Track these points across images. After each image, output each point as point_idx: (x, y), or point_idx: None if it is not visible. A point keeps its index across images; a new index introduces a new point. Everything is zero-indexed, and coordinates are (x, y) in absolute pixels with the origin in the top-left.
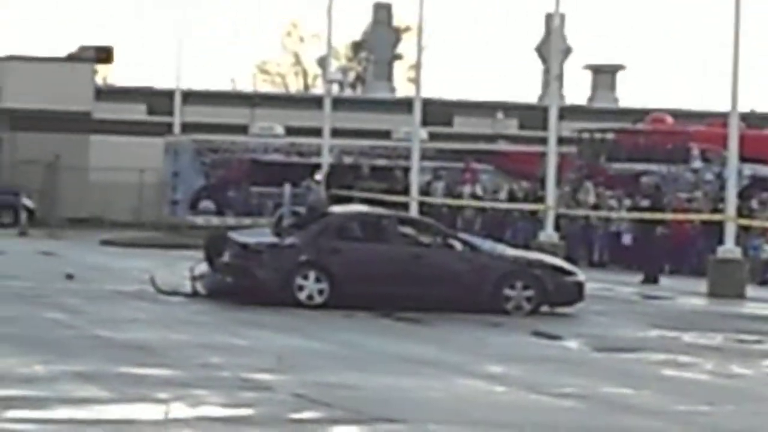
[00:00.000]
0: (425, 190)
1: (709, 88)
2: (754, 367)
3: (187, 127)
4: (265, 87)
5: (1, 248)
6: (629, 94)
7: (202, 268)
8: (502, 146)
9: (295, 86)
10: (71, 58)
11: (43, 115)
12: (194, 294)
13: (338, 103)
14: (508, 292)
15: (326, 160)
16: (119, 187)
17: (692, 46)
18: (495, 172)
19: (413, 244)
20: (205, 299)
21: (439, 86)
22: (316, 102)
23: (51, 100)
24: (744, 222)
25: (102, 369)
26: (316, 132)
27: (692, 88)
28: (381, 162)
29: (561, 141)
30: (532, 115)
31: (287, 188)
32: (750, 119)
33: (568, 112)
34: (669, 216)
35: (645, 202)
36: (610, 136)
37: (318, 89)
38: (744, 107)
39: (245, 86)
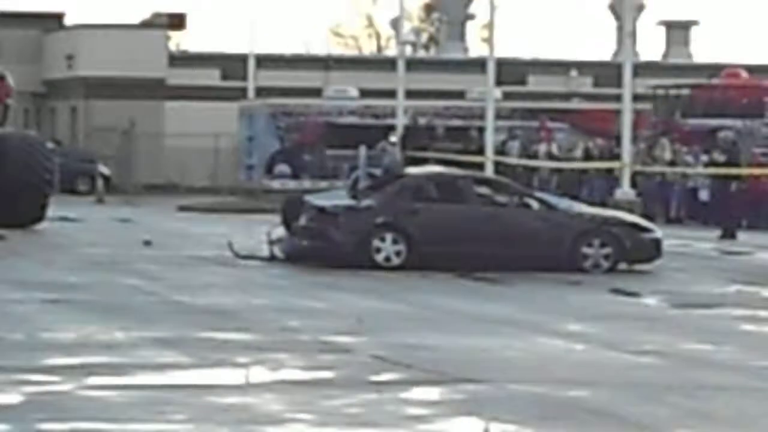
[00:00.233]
0: (500, 150)
1: None
2: None
3: (261, 92)
4: (338, 50)
5: (79, 216)
6: (703, 50)
7: (279, 232)
8: (576, 104)
9: (368, 48)
10: (144, 24)
11: (117, 83)
12: (272, 258)
13: (412, 64)
14: (585, 250)
15: (401, 121)
16: (194, 152)
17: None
18: (570, 131)
19: (489, 204)
20: (283, 263)
21: (512, 45)
22: (390, 64)
23: (125, 67)
24: None
25: (181, 334)
26: (390, 94)
27: (767, 42)
28: (455, 122)
29: (636, 98)
30: (606, 73)
31: (362, 150)
32: None
33: (643, 69)
34: (745, 171)
35: (721, 158)
36: (685, 92)
37: (391, 51)
38: None
39: (319, 49)
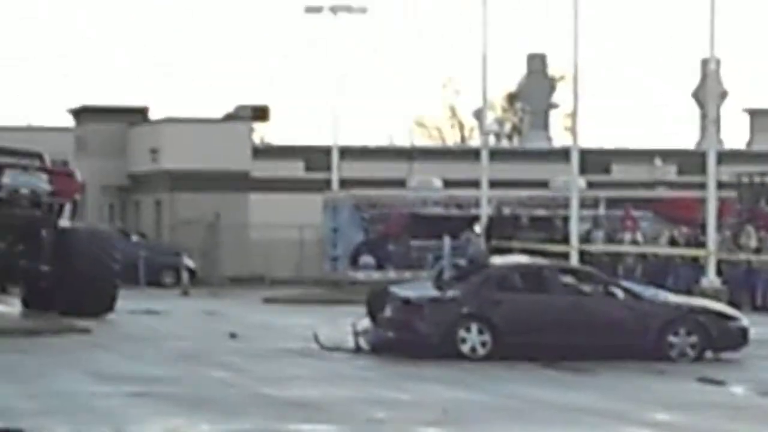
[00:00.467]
0: (585, 239)
1: None
2: None
3: (345, 183)
4: (421, 140)
5: (165, 309)
6: None
7: (365, 323)
8: (661, 193)
9: (451, 139)
10: (228, 117)
11: (202, 176)
12: (357, 349)
13: (495, 154)
14: (671, 338)
15: (485, 211)
16: (279, 244)
17: None
18: (654, 219)
19: (575, 293)
20: (369, 354)
21: (595, 134)
22: (473, 154)
23: (209, 160)
24: None
25: (267, 427)
26: (474, 184)
27: None
28: (540, 212)
29: (720, 186)
30: (690, 161)
31: (447, 241)
32: None
33: (727, 157)
34: None
35: None
36: None
37: (475, 141)
38: None
39: (402, 140)
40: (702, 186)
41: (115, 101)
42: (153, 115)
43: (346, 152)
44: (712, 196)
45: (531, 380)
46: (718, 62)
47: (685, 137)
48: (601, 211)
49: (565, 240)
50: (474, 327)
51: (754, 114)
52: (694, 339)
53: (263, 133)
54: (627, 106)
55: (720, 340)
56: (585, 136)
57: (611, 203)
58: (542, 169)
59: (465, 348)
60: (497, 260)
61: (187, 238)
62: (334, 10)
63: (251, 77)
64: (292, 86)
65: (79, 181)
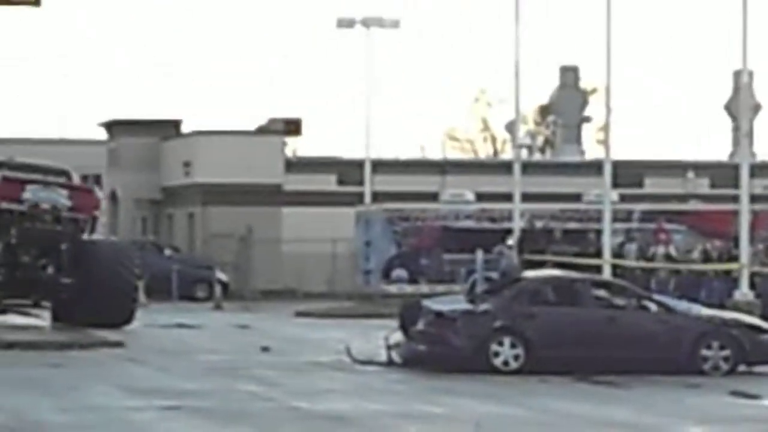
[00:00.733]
0: (618, 252)
1: None
2: None
3: (377, 197)
4: (454, 154)
5: (197, 322)
6: None
7: (397, 336)
8: (693, 206)
9: (484, 152)
10: (260, 131)
11: (234, 189)
12: (390, 363)
13: (528, 167)
14: (704, 352)
15: (518, 224)
16: (312, 258)
17: None
18: (688, 232)
19: (607, 306)
20: (401, 368)
21: (628, 147)
22: (506, 167)
23: (241, 173)
24: None
25: None
26: (507, 197)
27: None
28: (572, 225)
29: (753, 198)
30: (723, 174)
31: (479, 254)
32: None
33: (760, 169)
34: None
35: None
36: None
37: (507, 154)
38: None
39: (434, 153)
40: (735, 199)
41: (148, 114)
42: (185, 128)
43: (379, 165)
44: (745, 208)
45: (564, 394)
46: (750, 74)
47: (718, 150)
48: (635, 224)
49: (598, 253)
50: (507, 341)
51: None
52: (727, 352)
53: (296, 146)
54: (660, 119)
55: (753, 353)
56: (617, 148)
57: (644, 216)
58: (575, 183)
59: (498, 361)
60: (530, 274)
61: (219, 251)
62: (366, 23)
63: (284, 90)
64: (324, 99)
65: (99, 198)
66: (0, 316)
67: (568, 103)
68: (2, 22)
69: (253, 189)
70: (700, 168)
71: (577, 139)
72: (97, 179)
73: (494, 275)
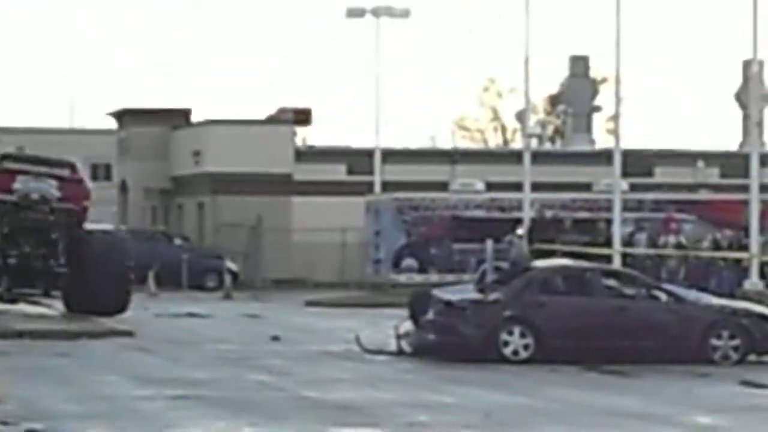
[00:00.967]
0: (628, 242)
1: None
2: None
3: (387, 186)
4: (464, 143)
5: (207, 312)
6: None
7: (407, 326)
8: (703, 195)
9: (494, 141)
10: (270, 120)
11: (244, 178)
12: (399, 352)
13: (538, 156)
14: (714, 341)
15: (527, 214)
16: (322, 247)
17: None
18: (697, 222)
19: (617, 296)
20: (411, 357)
21: (638, 137)
22: (516, 156)
23: (251, 163)
24: None
25: (309, 430)
26: (517, 186)
27: None
28: (582, 214)
29: (763, 188)
30: (733, 163)
31: (489, 244)
32: None
33: None
34: None
35: None
36: None
37: (517, 144)
38: None
39: (444, 143)
40: (745, 188)
41: (158, 104)
42: (195, 117)
43: (389, 155)
44: (755, 198)
45: (573, 383)
46: (760, 64)
47: (728, 139)
48: (645, 213)
49: (608, 243)
50: (516, 330)
51: None
52: (736, 342)
53: (305, 135)
54: (669, 108)
55: (763, 342)
56: (627, 138)
57: (654, 206)
58: (585, 172)
59: (507, 351)
60: (540, 263)
61: (229, 241)
62: (376, 13)
63: (294, 80)
64: (334, 89)
65: (89, 188)
66: (11, 305)
67: (578, 92)
68: (11, 12)
69: (262, 178)
70: (710, 157)
71: (587, 129)
72: (107, 168)
73: (504, 265)
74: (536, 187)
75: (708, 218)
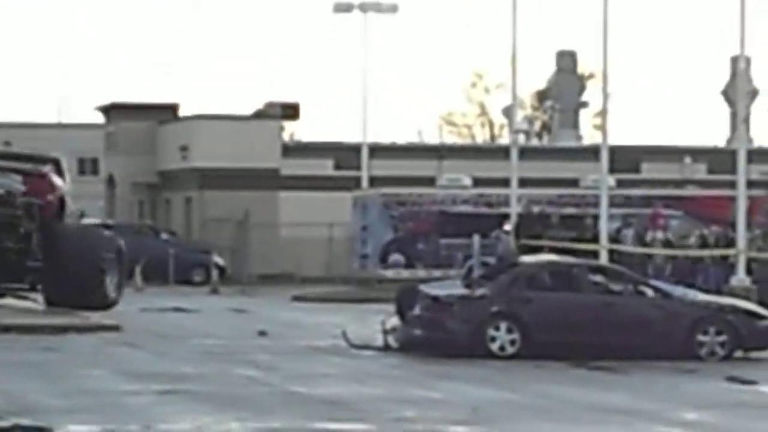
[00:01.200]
0: (615, 238)
1: None
2: None
3: (374, 181)
4: (451, 138)
5: (194, 306)
6: None
7: (394, 321)
8: (690, 191)
9: (481, 137)
10: (258, 115)
11: (231, 173)
12: (386, 347)
13: (525, 152)
14: (701, 338)
15: (514, 209)
16: (309, 242)
17: None
18: (684, 218)
19: (604, 292)
20: (398, 352)
21: (625, 132)
22: (503, 152)
23: (238, 157)
24: None
25: (297, 425)
26: (504, 182)
27: None
28: (569, 210)
29: (750, 184)
30: (720, 159)
31: (476, 239)
32: None
33: (757, 155)
34: None
35: None
36: None
37: (504, 139)
38: None
39: (431, 138)
40: (732, 184)
41: (145, 98)
42: (183, 112)
43: (376, 150)
44: (742, 194)
45: (560, 379)
46: (748, 60)
47: (715, 135)
48: (632, 209)
49: (595, 239)
50: (503, 325)
51: None
52: (723, 338)
53: (293, 130)
54: (657, 104)
55: (749, 339)
56: (614, 134)
57: (641, 202)
58: (572, 168)
59: (494, 346)
60: (527, 259)
61: (216, 235)
62: (363, 8)
63: (281, 75)
64: (321, 84)
65: (54, 183)
66: None
67: (565, 88)
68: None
69: (250, 173)
70: (698, 153)
71: (575, 125)
72: (95, 163)
73: (491, 260)
74: (523, 182)
75: (695, 214)
